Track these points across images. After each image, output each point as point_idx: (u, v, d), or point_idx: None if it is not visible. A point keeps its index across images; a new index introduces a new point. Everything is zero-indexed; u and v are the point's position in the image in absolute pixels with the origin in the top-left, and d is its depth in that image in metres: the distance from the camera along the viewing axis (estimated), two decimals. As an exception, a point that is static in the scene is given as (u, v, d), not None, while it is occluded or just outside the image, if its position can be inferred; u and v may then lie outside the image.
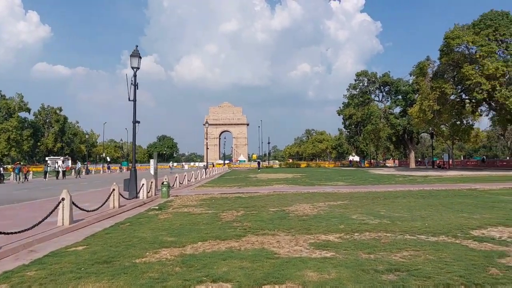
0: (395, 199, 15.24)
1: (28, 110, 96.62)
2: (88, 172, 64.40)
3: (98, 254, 7.01)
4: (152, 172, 23.22)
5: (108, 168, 68.94)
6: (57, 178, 44.65)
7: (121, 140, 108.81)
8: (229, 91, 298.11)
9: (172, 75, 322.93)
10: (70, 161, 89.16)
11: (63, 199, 10.31)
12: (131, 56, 18.17)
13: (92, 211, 12.12)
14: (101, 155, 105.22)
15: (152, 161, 23.37)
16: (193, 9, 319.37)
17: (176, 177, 25.97)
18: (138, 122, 18.60)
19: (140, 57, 18.42)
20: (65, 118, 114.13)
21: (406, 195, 16.76)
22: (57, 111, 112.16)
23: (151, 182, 19.55)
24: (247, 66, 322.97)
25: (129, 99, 18.20)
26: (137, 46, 18.31)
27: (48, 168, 45.06)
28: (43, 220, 9.29)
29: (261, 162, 76.92)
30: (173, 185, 24.85)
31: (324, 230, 8.90)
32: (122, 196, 14.96)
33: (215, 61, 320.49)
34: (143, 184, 17.93)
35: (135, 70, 18.26)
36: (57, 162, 57.17)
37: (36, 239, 8.57)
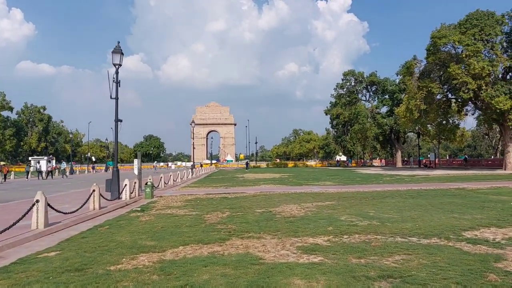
0: (383, 199, 14.97)
1: (11, 109, 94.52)
2: (72, 172, 63.20)
3: (70, 261, 6.52)
4: (136, 172, 22.64)
5: (93, 168, 67.69)
6: (38, 178, 43.63)
7: (106, 139, 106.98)
8: (216, 90, 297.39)
9: (159, 75, 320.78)
10: (54, 161, 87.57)
11: (37, 201, 9.75)
12: (113, 52, 17.60)
13: (70, 213, 11.56)
14: (86, 155, 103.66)
15: (136, 161, 22.74)
16: (180, 8, 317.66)
17: (161, 177, 25.41)
18: (121, 120, 18.04)
19: (122, 54, 17.87)
20: (49, 117, 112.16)
21: (394, 195, 16.52)
22: (41, 110, 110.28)
23: (134, 183, 19.01)
24: (235, 66, 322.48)
25: (111, 97, 17.63)
26: (119, 42, 17.77)
27: (31, 168, 43.85)
28: (15, 223, 8.76)
29: (249, 162, 76.28)
30: (158, 186, 24.32)
31: (312, 233, 8.53)
32: (103, 197, 14.40)
33: (203, 60, 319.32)
34: (125, 185, 17.37)
35: (117, 67, 17.71)
36: (38, 162, 55.77)
37: (6, 244, 8.03)
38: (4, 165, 53.89)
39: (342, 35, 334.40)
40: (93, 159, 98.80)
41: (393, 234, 8.18)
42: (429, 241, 7.50)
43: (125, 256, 6.76)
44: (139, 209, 13.73)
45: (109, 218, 11.82)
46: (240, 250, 7.09)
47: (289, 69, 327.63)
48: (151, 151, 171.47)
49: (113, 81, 17.67)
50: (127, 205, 16.05)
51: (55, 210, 10.56)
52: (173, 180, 29.37)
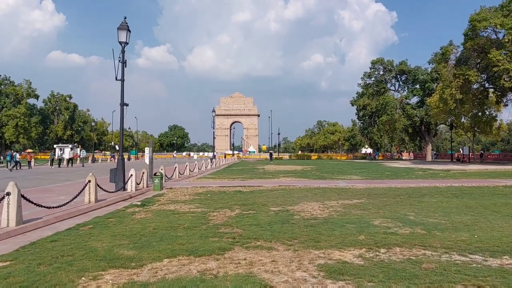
0: (422, 198, 12.84)
1: (36, 97, 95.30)
2: (94, 160, 62.93)
3: (11, 279, 4.84)
4: (146, 161, 21.13)
5: (113, 156, 67.14)
6: (59, 166, 43.05)
7: (129, 128, 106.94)
8: (240, 81, 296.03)
9: (185, 65, 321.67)
10: (78, 149, 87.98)
11: (8, 193, 8.18)
12: (119, 29, 15.93)
13: (57, 207, 9.99)
14: (110, 144, 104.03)
15: (147, 149, 21.26)
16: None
17: (175, 167, 23.85)
18: (127, 104, 16.46)
19: (129, 31, 16.18)
20: (75, 106, 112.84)
21: (434, 193, 14.34)
22: (67, 99, 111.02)
23: (142, 173, 17.46)
24: (259, 57, 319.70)
25: (116, 78, 16.02)
26: (125, 18, 16.07)
27: (55, 155, 43.33)
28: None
29: (273, 154, 73.73)
30: (171, 176, 22.80)
31: (338, 243, 6.62)
32: (102, 188, 12.83)
33: (227, 51, 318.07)
34: (131, 175, 15.82)
35: (123, 45, 16.06)
36: (61, 149, 55.51)
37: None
38: (29, 152, 53.80)
39: (370, 26, 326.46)
40: (117, 147, 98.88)
41: (447, 249, 6.17)
42: (500, 262, 5.48)
43: (86, 273, 5.04)
44: (139, 203, 12.07)
45: (101, 214, 10.20)
46: (241, 268, 5.25)
47: (314, 60, 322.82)
48: (175, 141, 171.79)
49: (119, 61, 16.06)
50: (131, 197, 14.49)
51: (34, 204, 8.98)
52: (190, 170, 27.85)
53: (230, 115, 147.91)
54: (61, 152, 52.58)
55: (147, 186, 17.27)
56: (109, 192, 13.78)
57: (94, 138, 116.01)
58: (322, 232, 7.48)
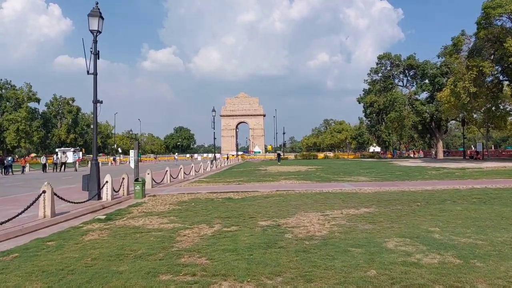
0: (443, 205, 10.72)
1: (38, 101, 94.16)
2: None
3: None
4: (132, 165, 19.24)
5: (114, 160, 65.49)
6: (53, 171, 41.47)
7: (131, 131, 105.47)
8: (246, 82, 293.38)
9: (190, 67, 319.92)
10: (81, 153, 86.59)
11: None
12: (89, 15, 14.02)
13: (-5, 225, 8.07)
14: (112, 147, 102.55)
15: (132, 152, 19.35)
16: (210, 0, 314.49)
17: (166, 171, 21.90)
18: (100, 102, 14.50)
19: (102, 18, 14.26)
20: (78, 109, 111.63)
21: (455, 198, 12.20)
22: (70, 102, 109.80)
23: (122, 179, 15.52)
24: (264, 56, 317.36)
25: (88, 72, 14.09)
26: (97, 3, 14.13)
27: (45, 160, 41.64)
28: None
29: (281, 154, 70.64)
30: (161, 181, 20.85)
31: (338, 283, 4.58)
32: (63, 199, 10.91)
33: (233, 52, 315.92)
34: (106, 182, 13.87)
35: (95, 34, 14.14)
36: (57, 153, 53.97)
37: None
38: (34, 156, 51.95)
39: (375, 23, 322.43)
40: (119, 150, 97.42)
41: (502, 296, 4.10)
42: None
43: None
44: (103, 217, 10.10)
45: (47, 234, 8.24)
46: None
47: (320, 59, 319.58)
48: (180, 143, 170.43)
49: (91, 52, 14.13)
50: (103, 208, 12.55)
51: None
52: (185, 173, 25.89)
53: (236, 115, 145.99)
54: (57, 157, 50.99)
55: (127, 194, 15.32)
56: (76, 203, 11.83)
57: (97, 141, 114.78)
58: (318, 263, 5.43)
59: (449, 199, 11.87)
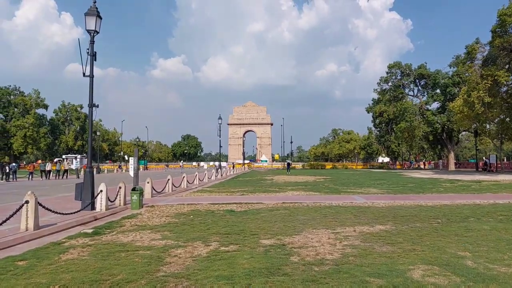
0: (467, 223, 9.63)
1: (45, 107, 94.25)
2: (99, 171, 60.75)
3: None
4: (131, 173, 18.35)
5: (119, 167, 64.84)
6: (57, 177, 40.83)
7: (138, 138, 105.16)
8: (253, 91, 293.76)
9: (199, 76, 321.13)
10: (76, 159, 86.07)
11: None
12: (86, 14, 13.23)
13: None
14: (119, 154, 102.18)
15: (132, 159, 18.44)
16: (220, 10, 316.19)
17: (168, 179, 21.00)
18: (96, 105, 13.75)
19: (100, 17, 13.48)
20: (86, 116, 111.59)
21: (479, 214, 11.08)
22: (78, 109, 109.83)
23: (119, 188, 14.62)
24: (273, 66, 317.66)
25: (84, 74, 13.29)
26: (95, 2, 13.35)
27: (46, 167, 40.94)
28: None
29: (290, 163, 69.03)
30: (162, 190, 19.94)
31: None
32: (49, 209, 10.01)
33: (241, 61, 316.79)
34: (100, 191, 12.96)
35: (92, 33, 13.36)
36: (60, 160, 53.49)
37: None
38: (44, 162, 51.18)
39: (384, 34, 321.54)
40: (126, 157, 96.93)
41: None
42: None
43: None
44: (90, 231, 9.16)
45: (20, 251, 7.29)
46: None
47: (328, 69, 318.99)
48: (187, 151, 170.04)
49: (87, 53, 13.34)
50: (95, 219, 11.63)
51: None
52: (188, 182, 24.96)
53: (243, 124, 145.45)
54: (67, 163, 50.51)
55: (124, 204, 14.39)
56: (65, 214, 10.91)
57: (106, 149, 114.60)
58: (330, 299, 4.43)
59: (472, 216, 10.76)
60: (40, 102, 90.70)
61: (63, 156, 79.10)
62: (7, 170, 34.84)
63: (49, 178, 39.13)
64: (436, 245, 7.16)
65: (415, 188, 22.40)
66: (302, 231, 8.71)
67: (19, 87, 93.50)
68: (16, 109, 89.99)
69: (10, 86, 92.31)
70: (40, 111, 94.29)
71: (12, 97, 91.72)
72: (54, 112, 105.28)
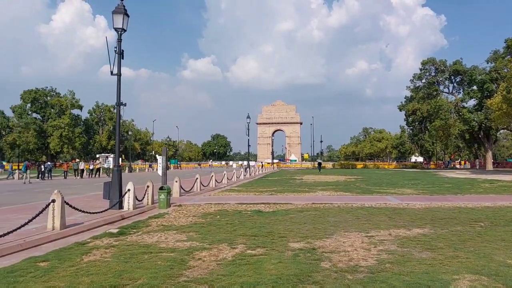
0: (514, 227, 8.90)
1: (80, 108, 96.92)
2: (131, 170, 61.92)
3: None
4: (159, 172, 18.30)
5: (150, 166, 65.83)
6: (90, 176, 41.75)
7: (168, 137, 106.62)
8: (282, 90, 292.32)
9: (228, 76, 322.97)
10: (120, 159, 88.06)
11: None
12: (114, 13, 13.19)
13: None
14: (150, 153, 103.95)
15: (160, 158, 18.41)
16: (250, 10, 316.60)
17: (196, 178, 20.87)
18: (124, 104, 13.65)
19: (127, 15, 13.40)
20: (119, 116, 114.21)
21: (526, 218, 10.28)
22: (111, 109, 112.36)
23: (147, 187, 14.53)
24: (302, 65, 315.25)
25: (111, 72, 13.25)
26: (122, 0, 13.29)
27: (79, 166, 41.89)
28: None
29: (321, 163, 68.04)
30: (191, 189, 19.83)
31: None
32: (76, 208, 9.95)
33: (270, 60, 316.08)
34: (128, 190, 12.89)
35: (119, 32, 13.29)
36: (107, 158, 54.87)
37: None
38: (77, 161, 52.56)
39: (417, 30, 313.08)
40: (157, 157, 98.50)
41: None
42: None
43: None
44: (115, 231, 9.01)
45: (43, 251, 7.19)
46: None
47: (358, 67, 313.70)
48: (216, 150, 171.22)
49: (115, 51, 13.30)
50: (122, 219, 11.55)
51: None
52: (216, 181, 24.80)
53: (272, 123, 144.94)
54: (99, 161, 51.72)
55: (152, 203, 14.30)
56: (92, 213, 10.85)
57: (138, 148, 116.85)
58: (366, 312, 3.98)
59: (519, 219, 9.97)
60: (75, 103, 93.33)
61: (97, 155, 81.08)
62: (43, 169, 35.81)
63: (82, 176, 40.03)
64: (481, 252, 6.55)
65: (452, 188, 21.38)
66: (333, 234, 8.24)
67: (55, 89, 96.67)
68: (52, 110, 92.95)
69: (46, 87, 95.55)
70: (75, 111, 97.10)
71: (48, 98, 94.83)
72: (88, 113, 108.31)
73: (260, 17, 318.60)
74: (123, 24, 13.22)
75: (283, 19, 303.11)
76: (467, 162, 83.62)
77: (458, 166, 78.91)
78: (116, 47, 13.30)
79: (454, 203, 13.71)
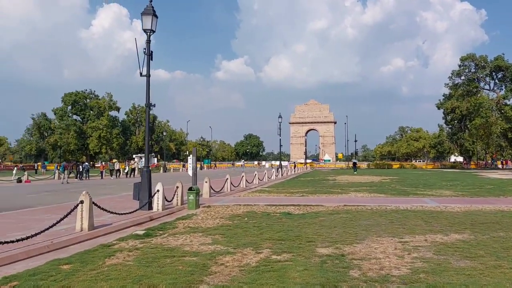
0: None
1: (117, 109, 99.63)
2: (165, 170, 62.97)
3: None
4: (190, 172, 18.31)
5: (183, 166, 66.71)
6: (126, 176, 42.72)
7: (202, 137, 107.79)
8: (316, 89, 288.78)
9: (261, 76, 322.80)
10: (155, 159, 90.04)
11: None
12: (143, 14, 13.24)
13: (22, 240, 7.21)
14: (185, 153, 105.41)
15: (190, 158, 18.42)
16: (282, 9, 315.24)
17: (227, 179, 20.78)
18: (153, 105, 13.70)
19: (156, 16, 13.43)
20: (155, 117, 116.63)
21: None
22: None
23: (176, 187, 14.53)
24: (335, 63, 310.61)
25: (141, 74, 13.33)
26: (151, 1, 13.32)
27: (115, 166, 42.96)
28: None
29: (357, 163, 66.87)
30: (221, 189, 19.78)
31: None
32: (104, 209, 9.99)
33: (303, 60, 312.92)
34: (157, 191, 12.91)
35: (149, 33, 13.34)
36: (141, 158, 56.10)
37: None
38: (114, 162, 54.10)
39: (455, 26, 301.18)
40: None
41: None
42: None
43: None
44: (142, 233, 8.96)
45: (75, 251, 7.22)
46: None
47: (394, 64, 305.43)
48: (249, 150, 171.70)
49: (144, 53, 13.36)
50: (151, 220, 11.56)
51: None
52: (247, 182, 24.65)
53: (305, 122, 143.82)
54: (134, 161, 52.91)
55: (181, 204, 14.29)
56: (121, 214, 10.89)
57: (173, 149, 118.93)
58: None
59: None
60: (112, 105, 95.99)
61: (133, 156, 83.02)
62: (80, 169, 36.89)
63: (118, 176, 41.00)
64: (528, 262, 5.99)
65: (493, 190, 20.28)
66: (365, 239, 7.83)
67: (94, 91, 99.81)
68: (91, 112, 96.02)
69: (86, 90, 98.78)
70: (113, 113, 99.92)
71: (88, 100, 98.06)
72: (125, 114, 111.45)
73: (292, 17, 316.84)
74: (152, 25, 13.26)
75: (316, 18, 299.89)
76: (509, 162, 79.72)
77: (500, 166, 75.37)
78: (145, 49, 13.37)
79: (496, 206, 12.90)
